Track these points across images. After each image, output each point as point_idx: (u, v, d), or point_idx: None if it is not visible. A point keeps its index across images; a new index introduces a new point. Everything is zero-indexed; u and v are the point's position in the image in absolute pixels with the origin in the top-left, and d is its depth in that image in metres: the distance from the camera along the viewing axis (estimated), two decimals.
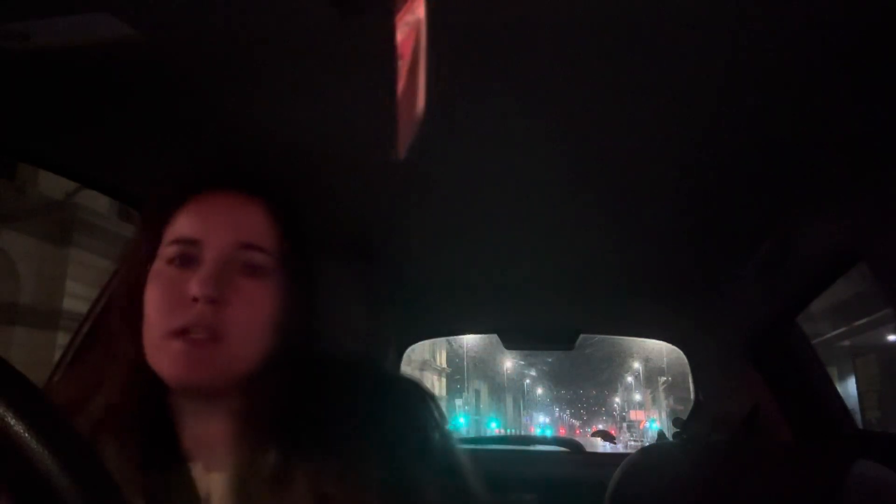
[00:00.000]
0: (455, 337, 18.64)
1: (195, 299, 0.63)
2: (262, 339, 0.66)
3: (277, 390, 0.66)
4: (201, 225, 0.67)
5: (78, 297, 8.62)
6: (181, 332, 0.62)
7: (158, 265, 0.67)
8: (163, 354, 0.63)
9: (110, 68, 0.84)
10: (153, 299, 0.65)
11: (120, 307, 0.69)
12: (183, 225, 0.67)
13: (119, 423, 0.65)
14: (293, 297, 0.69)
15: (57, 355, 1.41)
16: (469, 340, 26.85)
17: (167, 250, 0.67)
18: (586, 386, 50.31)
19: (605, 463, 2.09)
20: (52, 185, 8.82)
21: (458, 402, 32.02)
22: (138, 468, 0.63)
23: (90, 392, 0.67)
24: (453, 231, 1.50)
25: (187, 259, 0.66)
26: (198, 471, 0.68)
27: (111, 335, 0.69)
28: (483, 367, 35.54)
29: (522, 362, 40.01)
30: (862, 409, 10.46)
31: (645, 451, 1.75)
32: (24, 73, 0.83)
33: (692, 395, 2.33)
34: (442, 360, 28.85)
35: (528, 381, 46.89)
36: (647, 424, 32.97)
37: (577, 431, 43.42)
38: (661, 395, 36.20)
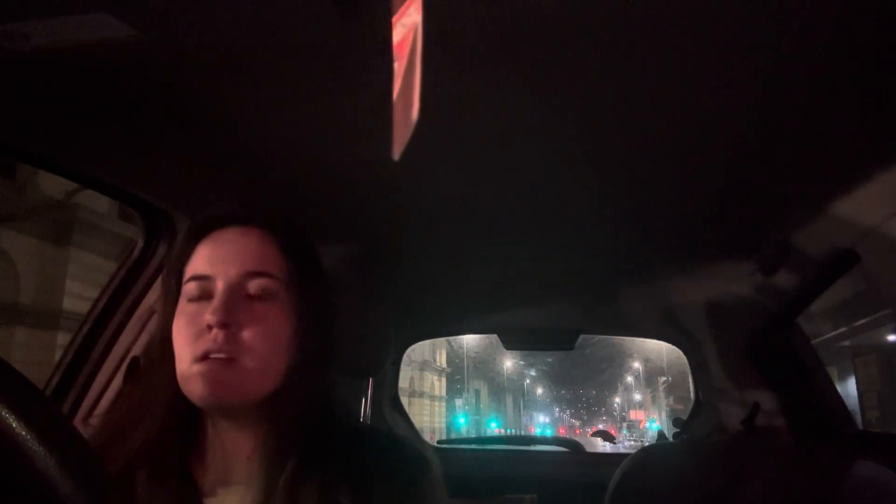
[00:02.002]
0: (455, 337, 18.64)
1: (210, 327, 0.70)
2: (278, 356, 0.74)
3: (300, 403, 0.74)
4: (211, 261, 0.75)
5: (78, 297, 8.62)
6: (203, 358, 0.70)
7: (182, 304, 0.75)
8: (191, 380, 0.71)
9: (110, 68, 0.84)
10: (179, 334, 0.73)
11: (156, 346, 0.78)
12: (197, 264, 0.76)
13: (154, 456, 0.72)
14: (304, 314, 0.76)
15: (57, 355, 1.41)
16: (469, 340, 26.84)
17: (187, 289, 0.75)
18: (586, 386, 50.35)
19: (605, 463, 2.10)
20: (52, 185, 8.82)
21: (458, 402, 32.02)
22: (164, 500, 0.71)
23: (130, 427, 0.75)
24: (453, 231, 1.50)
25: (203, 294, 0.74)
26: None
27: (149, 372, 0.78)
28: (483, 367, 35.52)
29: (522, 362, 40.03)
30: (862, 409, 10.45)
31: (645, 451, 1.76)
32: (24, 73, 0.83)
33: (692, 395, 2.33)
34: (442, 360, 28.84)
35: (528, 381, 46.87)
36: (647, 424, 32.98)
37: (577, 431, 43.41)
38: (661, 395, 36.19)
